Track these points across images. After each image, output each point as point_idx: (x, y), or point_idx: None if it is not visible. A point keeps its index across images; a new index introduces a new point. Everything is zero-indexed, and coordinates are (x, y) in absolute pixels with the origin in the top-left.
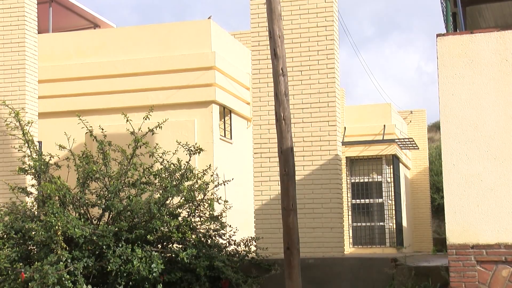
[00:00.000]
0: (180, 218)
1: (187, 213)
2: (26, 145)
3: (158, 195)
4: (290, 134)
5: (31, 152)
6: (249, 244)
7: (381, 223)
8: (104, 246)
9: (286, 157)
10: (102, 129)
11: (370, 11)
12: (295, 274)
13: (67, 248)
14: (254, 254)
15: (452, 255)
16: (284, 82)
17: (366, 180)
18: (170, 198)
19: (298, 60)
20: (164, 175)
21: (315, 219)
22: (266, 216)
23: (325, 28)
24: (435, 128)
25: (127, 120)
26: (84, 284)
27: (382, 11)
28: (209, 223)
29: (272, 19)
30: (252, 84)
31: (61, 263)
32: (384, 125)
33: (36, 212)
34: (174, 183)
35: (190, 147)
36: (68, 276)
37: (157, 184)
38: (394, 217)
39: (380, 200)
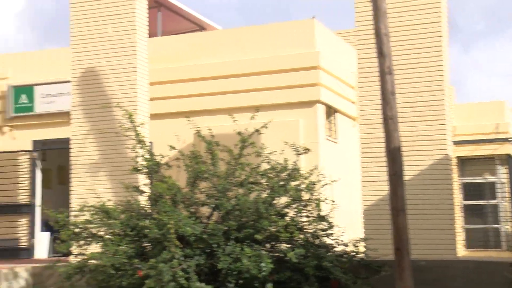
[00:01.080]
0: (287, 218)
1: (294, 213)
2: (139, 145)
3: (266, 194)
4: (397, 134)
5: (143, 152)
6: (357, 245)
7: (496, 226)
8: (214, 245)
9: (393, 157)
10: (210, 130)
11: (481, 4)
12: (406, 276)
13: (180, 246)
14: (363, 254)
15: None
16: (390, 80)
17: (478, 180)
18: (277, 198)
19: (405, 58)
20: (271, 175)
21: (425, 220)
22: (375, 216)
23: (433, 24)
24: None
25: (234, 121)
26: (197, 282)
27: (494, 4)
28: (316, 223)
29: (377, 17)
30: (358, 83)
31: (175, 260)
32: (498, 124)
33: (149, 210)
34: (281, 183)
35: (297, 147)
36: (181, 273)
37: (264, 184)
38: (511, 220)
39: (494, 201)
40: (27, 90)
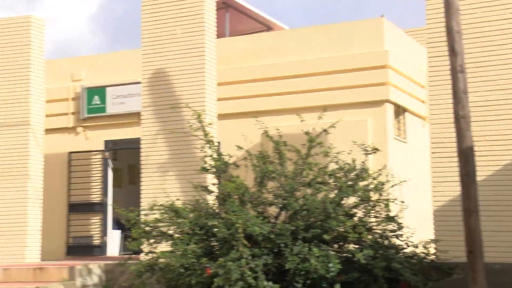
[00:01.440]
0: (355, 218)
1: (362, 213)
2: (207, 145)
3: (333, 195)
4: (469, 133)
5: (211, 152)
6: (428, 246)
7: None
8: (281, 245)
9: (465, 157)
10: (278, 130)
11: None
12: (480, 279)
13: (248, 245)
14: (434, 256)
15: None
16: (463, 79)
17: None
18: (346, 198)
19: (478, 56)
20: (338, 175)
21: (500, 222)
22: (446, 217)
23: (508, 20)
24: None
25: (302, 120)
26: (265, 281)
27: None
28: (385, 223)
29: (449, 14)
30: (428, 82)
31: (243, 259)
32: None
33: (217, 210)
34: (349, 183)
35: (366, 147)
36: (249, 273)
37: (332, 184)
38: None
39: None
40: (99, 91)
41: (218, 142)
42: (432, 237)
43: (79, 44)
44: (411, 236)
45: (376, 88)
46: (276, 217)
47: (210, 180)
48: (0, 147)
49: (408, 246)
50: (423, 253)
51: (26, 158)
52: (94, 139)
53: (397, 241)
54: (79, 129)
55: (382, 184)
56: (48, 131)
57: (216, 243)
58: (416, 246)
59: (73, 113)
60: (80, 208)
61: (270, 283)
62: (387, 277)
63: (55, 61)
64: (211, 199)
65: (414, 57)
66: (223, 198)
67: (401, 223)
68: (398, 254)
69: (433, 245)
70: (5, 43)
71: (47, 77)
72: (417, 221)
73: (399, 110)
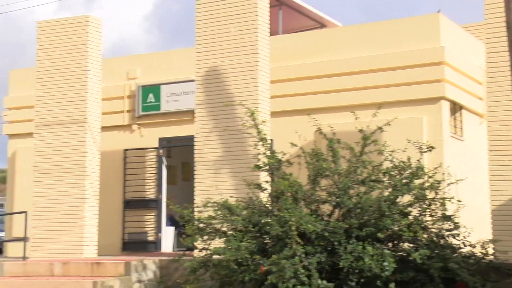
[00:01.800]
0: (410, 217)
1: (418, 212)
2: (260, 143)
3: (388, 193)
4: None
5: (265, 149)
6: (486, 246)
7: None
8: (335, 243)
9: None
10: (331, 127)
11: None
12: None
13: (301, 243)
14: (492, 257)
15: None
16: None
17: None
18: (400, 197)
19: None
20: (393, 173)
21: None
22: (505, 217)
23: None
24: None
25: (356, 118)
26: (318, 279)
27: None
28: (441, 222)
29: (509, 9)
30: (486, 78)
31: (296, 257)
32: None
33: (270, 207)
34: (404, 181)
35: (421, 145)
36: (303, 271)
37: (386, 182)
38: None
39: None
40: (154, 89)
41: (271, 140)
42: (491, 237)
43: (135, 43)
44: (468, 236)
45: (431, 85)
46: (330, 215)
47: (263, 177)
48: (58, 145)
49: (465, 245)
50: (481, 253)
51: (84, 155)
52: (149, 137)
53: (453, 241)
54: (134, 127)
55: (438, 182)
56: (104, 128)
57: (269, 241)
58: (474, 246)
59: (128, 111)
60: (135, 204)
61: (324, 282)
62: (443, 277)
63: (111, 60)
64: (264, 197)
65: (471, 53)
66: (276, 196)
67: (457, 222)
68: (454, 254)
69: (491, 245)
70: (64, 43)
71: (104, 76)
72: (475, 221)
73: (456, 107)
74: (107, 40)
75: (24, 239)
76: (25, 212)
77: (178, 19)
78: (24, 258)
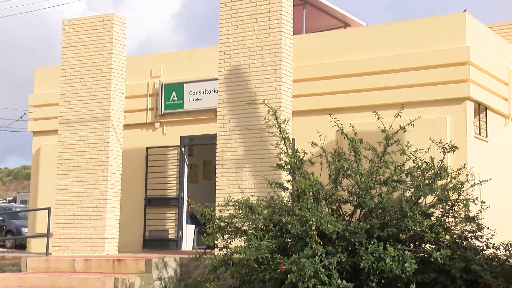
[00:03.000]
0: (433, 218)
1: (440, 213)
2: (282, 142)
3: (410, 193)
4: None
5: (287, 149)
6: (510, 249)
7: None
8: (356, 243)
9: None
10: (353, 127)
11: None
12: None
13: (321, 243)
14: None
15: None
16: None
17: None
18: (423, 197)
19: None
20: (416, 174)
21: None
22: None
23: None
24: None
25: (378, 118)
26: (339, 279)
27: None
28: (464, 224)
29: None
30: None
31: (317, 257)
32: None
33: (291, 207)
34: (427, 181)
35: (445, 145)
36: (323, 270)
37: (408, 182)
38: None
39: None
40: (176, 87)
41: (293, 139)
42: None
43: (161, 42)
44: (492, 238)
45: (456, 85)
46: (351, 215)
47: (285, 176)
48: (81, 142)
49: (488, 247)
50: (505, 255)
51: (107, 153)
52: (171, 135)
53: (476, 242)
54: (157, 125)
55: (462, 183)
56: (127, 126)
57: (290, 240)
58: (498, 248)
59: (151, 109)
60: (156, 202)
61: (344, 282)
62: (465, 279)
63: (135, 58)
64: (285, 196)
65: (497, 53)
66: (297, 195)
67: (481, 224)
68: (477, 256)
69: None
70: (89, 41)
71: (127, 74)
72: (498, 222)
73: (480, 108)
74: (135, 39)
75: (47, 235)
76: (48, 208)
77: (204, 18)
78: (46, 254)
